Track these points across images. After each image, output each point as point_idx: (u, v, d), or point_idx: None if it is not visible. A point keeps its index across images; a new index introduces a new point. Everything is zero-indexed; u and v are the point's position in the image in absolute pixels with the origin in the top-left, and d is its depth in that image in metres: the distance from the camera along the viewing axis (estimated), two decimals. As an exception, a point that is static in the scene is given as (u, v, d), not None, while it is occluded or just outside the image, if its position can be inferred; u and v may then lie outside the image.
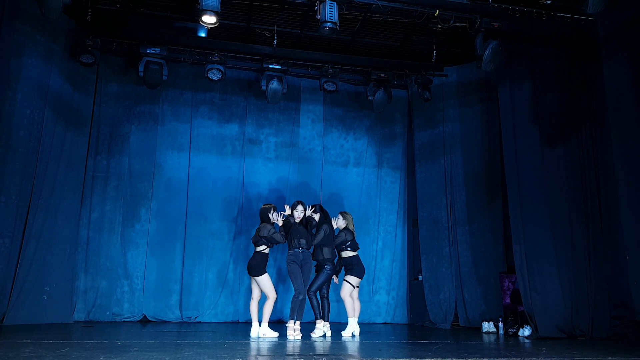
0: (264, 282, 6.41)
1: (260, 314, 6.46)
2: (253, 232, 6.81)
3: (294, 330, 6.24)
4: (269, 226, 6.50)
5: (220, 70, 8.18)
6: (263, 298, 6.55)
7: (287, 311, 6.86)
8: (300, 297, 6.31)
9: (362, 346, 5.66)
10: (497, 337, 6.93)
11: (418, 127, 9.28)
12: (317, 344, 5.76)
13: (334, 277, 7.02)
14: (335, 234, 6.91)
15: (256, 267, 6.40)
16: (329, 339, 6.32)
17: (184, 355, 4.42)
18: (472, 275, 8.36)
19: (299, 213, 6.58)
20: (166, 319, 8.20)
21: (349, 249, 6.85)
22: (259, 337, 6.26)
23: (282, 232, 6.46)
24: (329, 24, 6.49)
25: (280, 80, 8.36)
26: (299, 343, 5.78)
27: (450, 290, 8.48)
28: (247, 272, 6.63)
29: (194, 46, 8.37)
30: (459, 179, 8.72)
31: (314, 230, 6.73)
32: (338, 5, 6.57)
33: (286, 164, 9.13)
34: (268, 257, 6.56)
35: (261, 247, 6.45)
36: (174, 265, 8.44)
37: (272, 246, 6.55)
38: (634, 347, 5.72)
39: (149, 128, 8.67)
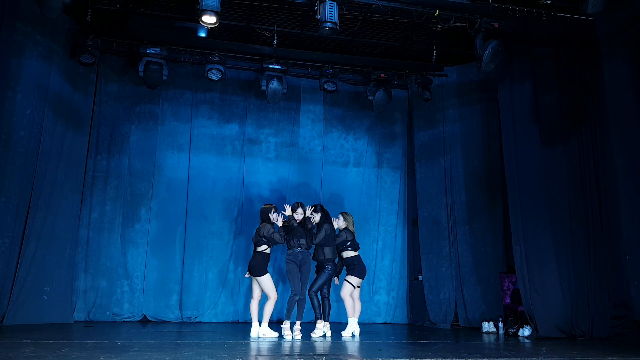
0: (265, 282, 6.41)
1: (261, 314, 6.46)
2: (253, 232, 6.81)
3: (290, 330, 6.26)
4: (268, 226, 6.50)
5: (220, 70, 8.18)
6: (264, 298, 6.55)
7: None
8: (297, 297, 6.31)
9: (362, 346, 5.67)
10: (497, 337, 6.93)
11: (418, 127, 9.28)
12: (317, 344, 5.76)
13: (335, 277, 7.03)
14: (336, 234, 6.91)
15: (257, 267, 6.40)
16: (329, 339, 6.32)
17: (184, 355, 4.42)
18: (472, 275, 8.36)
19: (298, 216, 6.58)
20: (166, 319, 8.20)
21: (349, 248, 6.84)
22: (259, 337, 6.26)
23: (281, 233, 6.45)
24: (329, 24, 6.48)
25: (280, 80, 8.36)
26: (299, 343, 5.79)
27: (450, 290, 8.49)
28: (247, 272, 6.63)
29: (194, 46, 8.36)
30: (459, 179, 8.72)
31: (314, 230, 6.74)
32: (338, 5, 6.57)
33: (286, 164, 9.13)
34: (269, 257, 6.55)
35: (262, 247, 6.45)
36: (174, 265, 8.44)
37: (272, 246, 6.55)
38: (634, 347, 5.73)
39: (149, 128, 8.66)
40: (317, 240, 6.58)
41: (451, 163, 8.82)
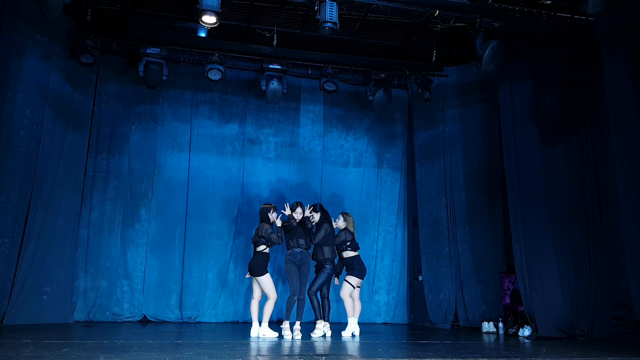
0: (265, 282, 6.40)
1: (261, 314, 6.46)
2: (253, 232, 6.82)
3: (290, 330, 6.26)
4: (266, 226, 6.50)
5: (220, 70, 8.17)
6: (264, 298, 6.54)
7: (286, 311, 6.96)
8: (295, 297, 6.31)
9: (362, 346, 5.66)
10: (497, 337, 6.93)
11: (418, 127, 9.28)
12: (317, 344, 5.76)
13: (335, 277, 7.02)
14: (335, 234, 6.90)
15: (257, 267, 6.40)
16: (329, 339, 6.32)
17: (184, 355, 4.42)
18: (472, 275, 8.36)
19: (298, 215, 6.58)
20: (166, 319, 8.20)
21: (349, 248, 6.84)
22: (259, 337, 6.26)
23: (279, 234, 6.44)
24: (329, 24, 6.48)
25: (280, 80, 8.36)
26: (299, 343, 5.79)
27: (450, 290, 8.49)
28: (248, 272, 6.63)
29: (194, 46, 8.37)
30: (459, 179, 8.72)
31: (314, 230, 6.73)
32: (338, 5, 6.57)
33: (286, 164, 9.13)
34: (269, 256, 6.55)
35: (261, 247, 6.45)
36: (174, 265, 8.44)
37: (272, 245, 6.54)
38: (634, 347, 5.73)
39: (149, 128, 8.66)
40: (316, 240, 6.57)
41: (451, 163, 8.81)
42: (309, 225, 6.67)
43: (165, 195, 8.59)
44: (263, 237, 6.42)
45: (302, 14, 8.02)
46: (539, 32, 7.29)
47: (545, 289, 6.70)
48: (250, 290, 7.73)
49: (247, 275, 6.67)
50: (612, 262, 6.80)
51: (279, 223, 6.54)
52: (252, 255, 6.55)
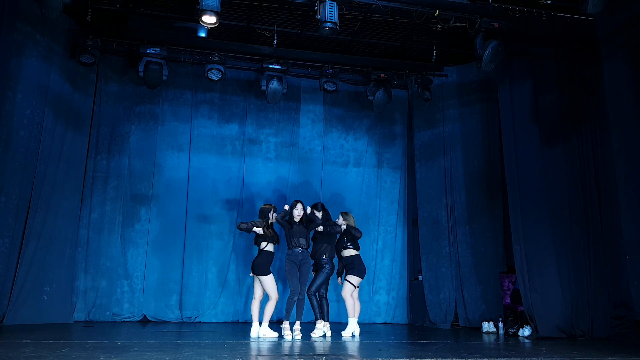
0: (268, 282, 6.39)
1: (261, 314, 6.45)
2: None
3: (290, 330, 6.26)
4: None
5: (220, 70, 8.18)
6: (265, 298, 6.54)
7: (286, 311, 6.95)
8: (295, 297, 6.30)
9: (362, 346, 5.66)
10: (497, 337, 6.93)
11: (418, 127, 9.28)
12: (317, 344, 5.76)
13: (338, 277, 7.01)
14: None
15: (261, 266, 6.38)
16: (329, 339, 6.31)
17: (184, 355, 4.42)
18: (472, 275, 8.36)
19: (298, 211, 6.57)
20: (166, 319, 8.20)
21: (350, 246, 6.83)
22: (259, 337, 6.25)
23: (250, 222, 6.47)
24: (329, 24, 6.48)
25: (280, 80, 8.36)
26: (299, 343, 5.78)
27: (450, 290, 8.49)
28: (249, 271, 6.61)
29: (194, 46, 8.37)
30: (459, 179, 8.72)
31: (320, 229, 6.67)
32: (338, 5, 6.57)
33: (286, 164, 9.13)
34: (273, 255, 6.52)
35: (264, 245, 6.44)
36: (174, 265, 8.44)
37: (275, 244, 6.52)
38: (634, 347, 5.72)
39: (149, 128, 8.67)
40: (315, 226, 6.55)
41: (451, 163, 8.82)
42: (318, 221, 6.59)
43: (165, 195, 8.59)
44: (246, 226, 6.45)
45: (302, 14, 8.02)
46: (539, 32, 7.29)
47: (545, 289, 6.69)
48: (250, 290, 7.74)
49: (251, 274, 6.64)
50: (612, 262, 6.80)
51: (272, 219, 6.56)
52: (257, 254, 6.53)
